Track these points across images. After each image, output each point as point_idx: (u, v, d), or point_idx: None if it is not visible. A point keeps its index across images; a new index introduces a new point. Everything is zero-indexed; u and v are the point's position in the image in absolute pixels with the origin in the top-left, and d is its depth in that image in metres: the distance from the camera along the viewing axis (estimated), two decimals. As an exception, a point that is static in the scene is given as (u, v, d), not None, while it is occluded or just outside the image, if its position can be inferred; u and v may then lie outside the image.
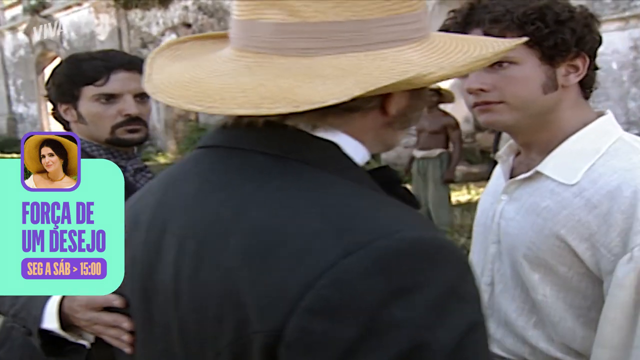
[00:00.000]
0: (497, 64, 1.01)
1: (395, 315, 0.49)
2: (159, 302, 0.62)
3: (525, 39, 0.79)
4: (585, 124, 1.06)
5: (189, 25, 12.52)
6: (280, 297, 0.50)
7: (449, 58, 0.62)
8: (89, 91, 1.47)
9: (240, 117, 0.62)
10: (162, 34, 12.38)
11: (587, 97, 1.10)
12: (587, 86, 1.08)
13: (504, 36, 0.98)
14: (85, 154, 1.51)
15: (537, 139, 1.09)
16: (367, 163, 0.67)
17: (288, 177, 0.58)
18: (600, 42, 1.06)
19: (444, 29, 1.05)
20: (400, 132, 0.71)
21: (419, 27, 0.63)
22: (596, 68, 1.08)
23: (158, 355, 0.65)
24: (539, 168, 1.06)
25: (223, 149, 0.63)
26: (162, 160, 11.50)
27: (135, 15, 13.05)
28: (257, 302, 0.52)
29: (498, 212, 1.12)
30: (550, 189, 1.04)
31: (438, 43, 0.65)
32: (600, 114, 1.09)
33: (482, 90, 1.03)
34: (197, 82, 0.59)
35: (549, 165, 1.05)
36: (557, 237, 1.00)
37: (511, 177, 1.13)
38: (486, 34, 1.00)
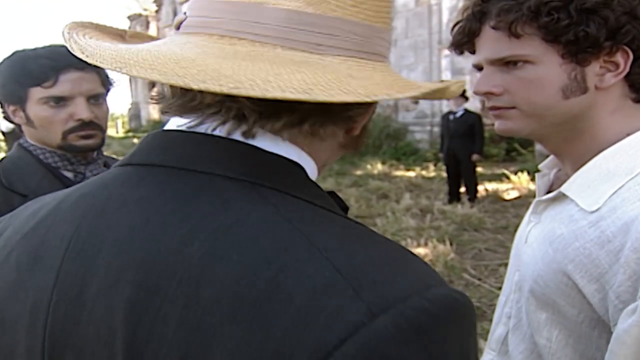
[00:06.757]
0: (511, 63, 0.84)
1: None
2: None
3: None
4: (629, 134, 0.85)
5: None
6: None
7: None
8: (36, 93, 1.29)
9: (180, 131, 0.51)
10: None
11: (639, 100, 0.88)
12: (638, 86, 0.87)
13: (515, 31, 0.81)
14: (38, 161, 1.35)
15: (568, 151, 0.90)
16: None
17: (267, 208, 0.46)
18: None
19: (459, 26, 0.89)
20: (337, 155, 0.62)
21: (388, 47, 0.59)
22: None
23: None
24: (563, 189, 0.88)
25: (163, 169, 0.50)
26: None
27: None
28: None
29: (525, 235, 0.96)
30: (571, 214, 0.86)
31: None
32: None
33: (491, 93, 0.86)
34: (186, 60, 0.46)
35: (574, 185, 0.86)
36: (565, 273, 0.83)
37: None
38: (495, 29, 0.83)
